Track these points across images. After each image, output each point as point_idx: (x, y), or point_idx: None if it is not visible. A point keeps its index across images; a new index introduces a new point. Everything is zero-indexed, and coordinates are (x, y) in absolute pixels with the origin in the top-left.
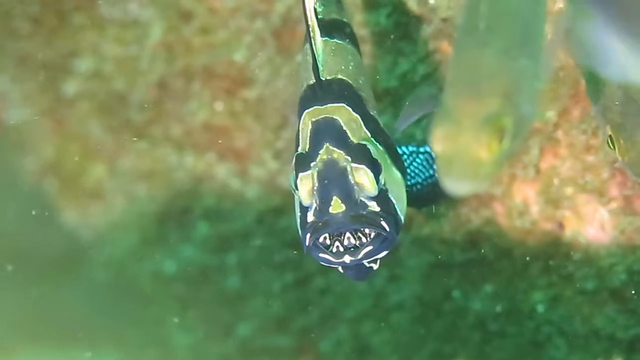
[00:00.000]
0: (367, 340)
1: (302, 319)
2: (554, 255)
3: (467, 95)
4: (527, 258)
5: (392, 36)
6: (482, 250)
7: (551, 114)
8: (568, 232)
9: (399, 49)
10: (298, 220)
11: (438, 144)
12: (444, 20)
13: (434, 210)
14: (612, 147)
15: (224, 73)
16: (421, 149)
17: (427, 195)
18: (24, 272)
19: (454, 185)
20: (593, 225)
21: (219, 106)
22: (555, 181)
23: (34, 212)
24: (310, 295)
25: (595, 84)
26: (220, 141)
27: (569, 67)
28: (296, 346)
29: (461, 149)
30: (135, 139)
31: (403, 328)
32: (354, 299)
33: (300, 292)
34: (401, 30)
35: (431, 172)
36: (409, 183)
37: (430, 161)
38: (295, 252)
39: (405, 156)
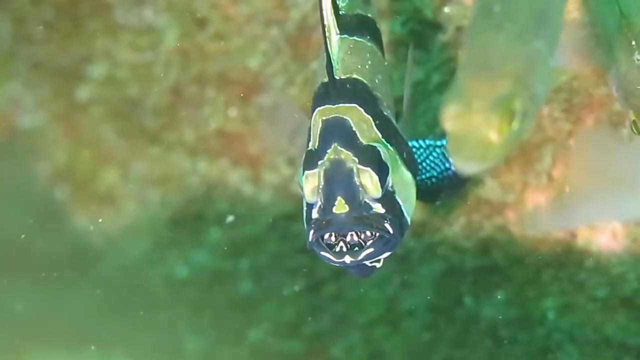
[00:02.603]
0: (379, 345)
1: (313, 324)
2: (565, 263)
3: (480, 76)
4: (539, 265)
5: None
6: (494, 257)
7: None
8: (580, 240)
9: (413, 57)
10: (304, 215)
11: (448, 122)
12: (459, 28)
13: (448, 203)
14: (635, 131)
15: (239, 79)
16: (437, 143)
17: (442, 188)
18: (35, 277)
19: (463, 164)
20: (605, 233)
21: (233, 112)
22: (568, 189)
23: (45, 217)
24: (322, 301)
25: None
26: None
27: (583, 77)
28: (307, 351)
29: (471, 130)
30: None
31: (414, 334)
32: (366, 305)
33: (312, 298)
34: (416, 39)
35: (447, 165)
36: (424, 176)
37: (447, 155)
38: (307, 257)
39: (421, 150)
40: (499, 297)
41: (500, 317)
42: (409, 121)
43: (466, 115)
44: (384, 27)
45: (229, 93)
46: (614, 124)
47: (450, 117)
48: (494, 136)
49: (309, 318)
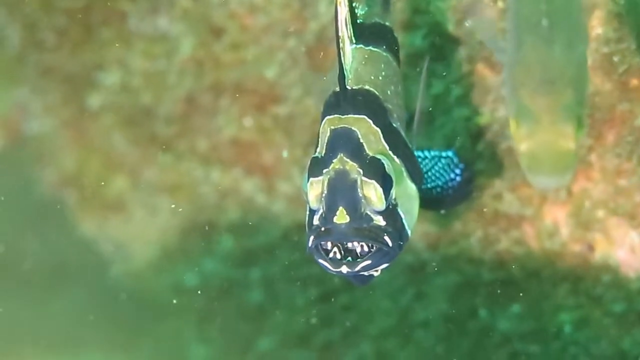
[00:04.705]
0: (391, 357)
1: (324, 335)
2: (583, 277)
3: (543, 91)
4: (555, 279)
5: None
6: (511, 270)
7: None
8: (598, 255)
9: (433, 70)
10: (306, 219)
11: (523, 143)
12: (480, 42)
13: (464, 216)
14: None
15: (254, 89)
16: (443, 154)
17: (447, 198)
18: (41, 282)
19: (547, 181)
20: (623, 248)
21: (248, 122)
22: (587, 204)
23: (51, 224)
24: (333, 311)
25: None
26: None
27: (605, 92)
28: None
29: (549, 145)
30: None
31: (428, 346)
32: (378, 315)
33: (323, 308)
34: (436, 52)
35: (452, 175)
36: (429, 186)
37: (452, 166)
38: (319, 267)
39: (427, 160)
40: (514, 310)
41: (515, 330)
42: (421, 133)
43: (540, 133)
44: (404, 40)
45: (244, 102)
46: (636, 140)
47: (524, 138)
48: (571, 145)
49: (320, 328)
